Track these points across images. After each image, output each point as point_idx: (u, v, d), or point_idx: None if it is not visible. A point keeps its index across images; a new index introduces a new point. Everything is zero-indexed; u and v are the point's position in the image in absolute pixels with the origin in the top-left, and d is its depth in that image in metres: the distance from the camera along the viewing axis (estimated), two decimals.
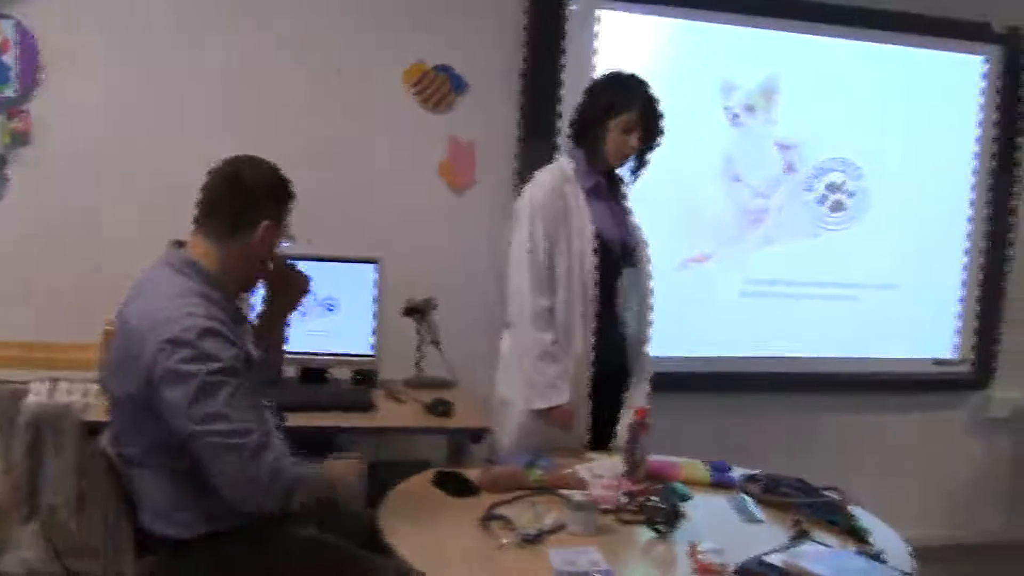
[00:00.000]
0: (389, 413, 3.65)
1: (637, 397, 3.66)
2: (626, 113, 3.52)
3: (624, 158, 3.60)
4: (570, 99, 4.40)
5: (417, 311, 4.01)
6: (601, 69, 4.40)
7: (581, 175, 3.59)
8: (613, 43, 4.55)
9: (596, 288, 3.55)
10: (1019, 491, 5.54)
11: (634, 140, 3.53)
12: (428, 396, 3.76)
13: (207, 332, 2.49)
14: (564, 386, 3.51)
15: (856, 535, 2.89)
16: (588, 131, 3.59)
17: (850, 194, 5.03)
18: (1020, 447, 5.53)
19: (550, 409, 3.51)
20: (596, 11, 4.52)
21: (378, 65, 4.26)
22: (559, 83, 4.42)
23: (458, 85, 4.35)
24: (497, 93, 4.42)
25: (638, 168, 3.68)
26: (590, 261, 3.53)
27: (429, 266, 4.27)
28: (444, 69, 4.32)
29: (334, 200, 4.13)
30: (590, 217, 3.55)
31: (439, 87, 4.31)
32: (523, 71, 4.43)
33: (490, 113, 4.41)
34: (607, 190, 3.66)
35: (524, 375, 3.55)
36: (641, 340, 3.74)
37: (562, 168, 3.61)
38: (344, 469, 2.86)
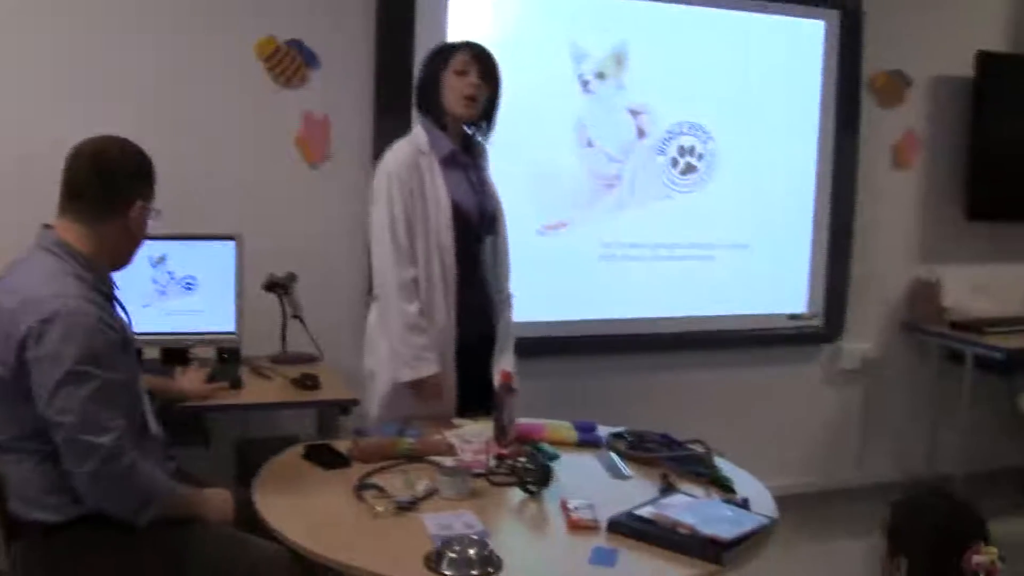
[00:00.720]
0: (256, 389, 3.64)
1: (503, 363, 3.70)
2: (455, 56, 3.57)
3: (467, 101, 3.57)
4: None
5: (278, 286, 3.98)
6: (455, 38, 4.44)
7: (435, 145, 3.60)
8: (465, 15, 4.56)
9: (455, 259, 3.57)
10: (869, 437, 5.76)
11: (472, 78, 3.56)
12: (294, 371, 3.76)
13: (78, 315, 2.48)
14: (431, 357, 3.52)
15: (721, 485, 3.00)
16: (429, 94, 3.62)
17: (700, 157, 5.15)
18: (870, 396, 5.75)
19: (418, 380, 3.53)
20: None
21: (228, 38, 4.20)
22: (412, 56, 4.41)
23: (310, 60, 4.32)
24: (350, 68, 4.40)
25: (488, 120, 3.70)
26: (447, 233, 3.55)
27: (289, 241, 4.25)
28: (295, 44, 4.29)
29: (189, 178, 4.06)
30: (445, 188, 3.57)
31: (291, 62, 4.29)
32: (375, 45, 4.42)
33: (343, 88, 4.40)
34: (464, 158, 3.68)
35: (391, 347, 3.56)
36: (502, 307, 3.79)
37: (415, 140, 3.62)
38: (214, 499, 2.81)
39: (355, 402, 3.61)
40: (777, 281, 5.42)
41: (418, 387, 3.52)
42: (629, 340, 5.03)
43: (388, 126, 4.33)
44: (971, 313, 5.63)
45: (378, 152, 4.25)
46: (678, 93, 5.06)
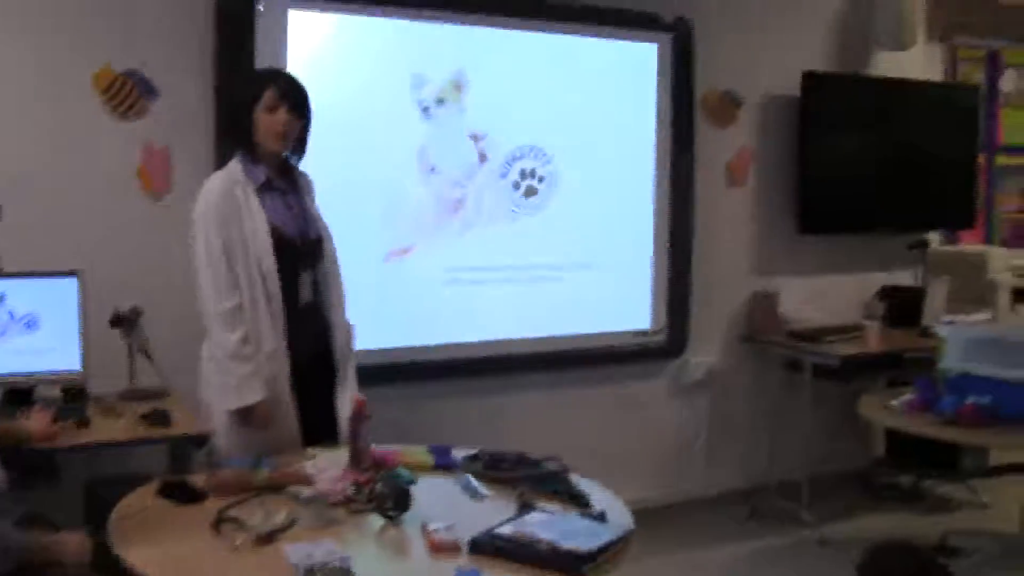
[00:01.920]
0: (105, 427, 3.56)
1: (347, 392, 3.71)
2: (266, 92, 3.57)
3: (280, 137, 3.60)
4: None
5: (124, 321, 3.91)
6: (292, 68, 4.43)
7: (250, 174, 3.60)
8: (303, 42, 4.55)
9: (279, 285, 3.57)
10: (716, 446, 5.91)
11: (281, 115, 3.57)
12: (144, 407, 3.69)
13: None
14: (256, 384, 3.51)
15: (577, 500, 3.04)
16: (240, 129, 3.63)
17: (541, 179, 5.22)
18: (716, 405, 5.90)
19: (244, 408, 3.51)
20: (285, 11, 4.51)
21: (65, 68, 4.13)
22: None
23: (149, 90, 4.27)
24: (189, 97, 4.35)
25: (299, 149, 3.72)
26: (268, 259, 3.54)
27: (133, 275, 4.18)
28: (132, 74, 4.22)
29: (28, 214, 3.98)
30: (263, 214, 3.57)
31: (129, 92, 4.22)
32: (214, 74, 4.38)
33: (183, 117, 4.35)
34: (280, 184, 3.68)
35: (217, 377, 3.56)
36: (340, 334, 3.79)
37: (230, 171, 3.61)
38: (68, 544, 2.76)
39: (208, 436, 3.56)
40: (622, 299, 5.53)
41: (245, 415, 3.51)
42: (479, 363, 5.06)
43: (229, 154, 4.31)
44: (807, 323, 5.83)
45: None
46: (518, 117, 5.14)
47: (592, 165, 5.36)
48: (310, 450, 3.47)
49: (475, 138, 5.04)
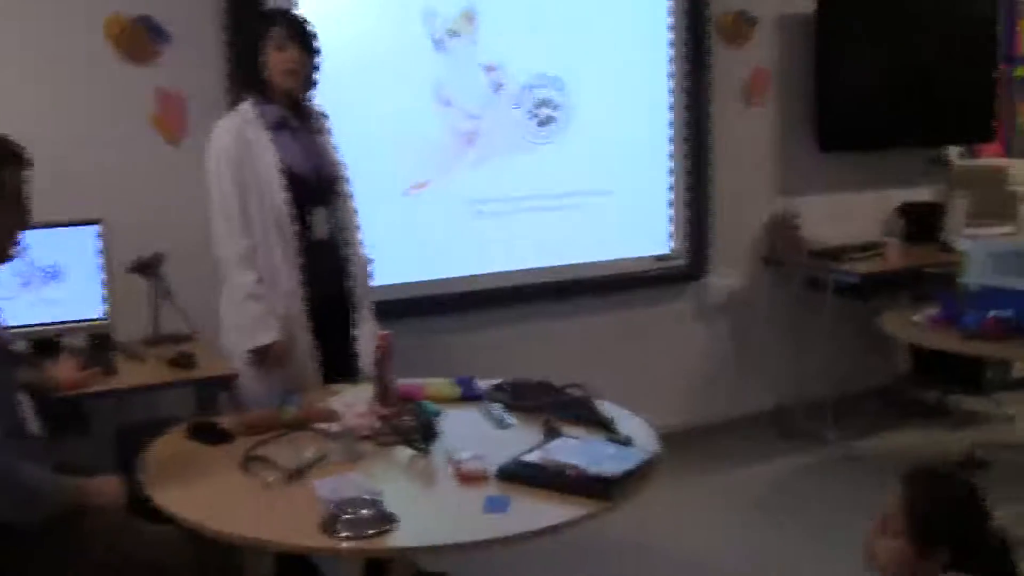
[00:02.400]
0: (131, 373, 3.60)
1: (364, 323, 3.74)
2: (272, 31, 3.60)
3: (290, 74, 3.63)
4: None
5: (146, 268, 3.94)
6: (303, 8, 4.41)
7: (263, 114, 3.62)
8: None
9: (292, 223, 3.59)
10: (741, 369, 5.91)
11: (291, 52, 3.60)
12: (169, 351, 3.72)
13: None
14: (271, 323, 3.54)
15: (603, 425, 3.07)
16: (250, 68, 3.65)
17: (557, 108, 5.19)
18: (737, 328, 5.89)
19: (260, 348, 3.54)
20: None
21: (74, 18, 4.10)
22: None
23: (160, 35, 4.24)
24: (201, 41, 4.32)
25: (306, 85, 3.72)
26: (280, 197, 3.57)
27: (153, 221, 4.18)
28: (144, 20, 4.20)
29: (46, 165, 3.93)
30: (275, 153, 3.59)
31: (140, 38, 4.20)
32: (225, 16, 4.35)
33: (196, 62, 4.31)
34: (294, 123, 3.69)
35: (234, 320, 3.60)
36: (358, 270, 3.79)
37: (242, 112, 3.64)
38: (103, 487, 2.78)
39: (234, 376, 3.60)
40: (641, 224, 5.52)
41: (261, 355, 3.55)
42: (499, 294, 5.07)
43: (241, 97, 4.30)
44: (828, 241, 5.80)
45: None
46: (531, 46, 5.09)
47: (607, 91, 5.31)
48: (335, 386, 3.49)
49: (489, 69, 5.00)
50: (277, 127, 3.63)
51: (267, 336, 3.53)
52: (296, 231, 3.60)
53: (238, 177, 3.53)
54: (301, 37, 3.63)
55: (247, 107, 3.64)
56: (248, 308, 3.53)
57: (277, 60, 3.60)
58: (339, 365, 3.69)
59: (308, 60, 3.66)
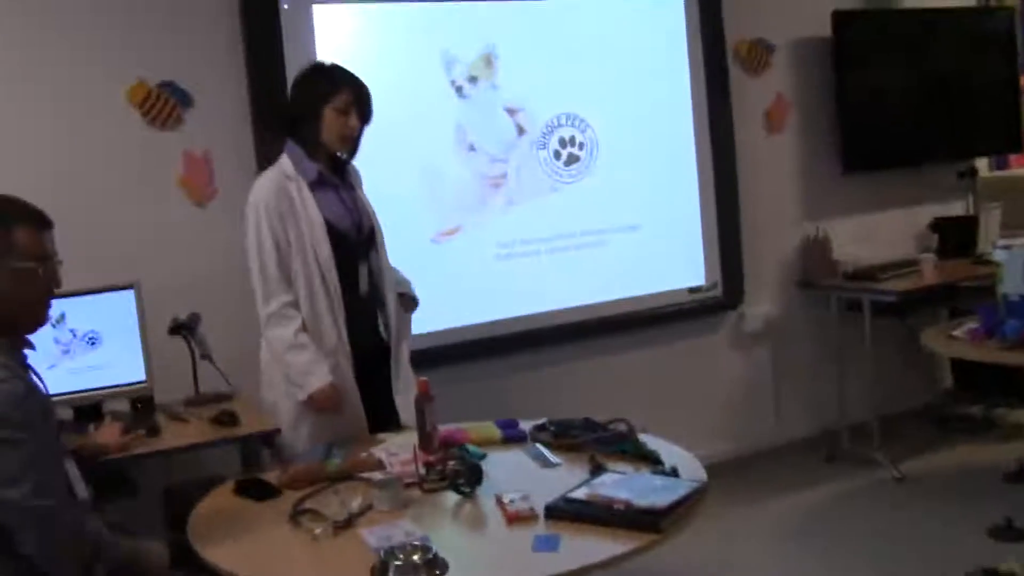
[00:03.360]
0: (175, 434, 3.60)
1: (400, 371, 3.75)
2: (339, 95, 3.58)
3: (346, 140, 3.64)
4: None
5: (183, 328, 3.95)
6: (322, 58, 4.44)
7: (302, 170, 3.61)
8: (331, 36, 4.57)
9: (337, 277, 3.60)
10: (783, 395, 5.88)
11: (353, 120, 3.60)
12: (211, 411, 3.73)
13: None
14: (320, 368, 3.53)
15: (648, 459, 3.05)
16: (303, 123, 3.63)
17: (581, 146, 5.21)
18: (777, 354, 5.86)
19: (314, 393, 3.52)
20: (309, 6, 4.52)
21: (99, 87, 4.16)
22: (284, 82, 4.39)
23: (184, 99, 4.29)
24: (225, 102, 4.38)
25: (353, 150, 3.73)
26: (325, 251, 3.58)
27: (187, 282, 4.21)
28: (168, 85, 4.25)
29: (79, 233, 3.99)
30: (316, 207, 3.59)
31: (165, 103, 4.25)
32: (247, 76, 4.40)
33: (221, 122, 4.37)
34: (333, 179, 3.69)
35: (282, 373, 3.59)
36: (393, 316, 3.78)
37: (282, 167, 3.63)
38: (151, 549, 2.79)
39: (277, 432, 3.59)
40: (673, 257, 5.50)
41: (317, 400, 3.53)
42: (535, 335, 5.06)
43: (270, 153, 4.33)
44: (861, 262, 5.77)
45: None
46: (551, 86, 5.12)
47: (630, 126, 5.33)
48: (379, 435, 3.49)
49: (511, 112, 5.02)
50: (318, 184, 3.63)
51: (320, 380, 3.52)
52: (339, 286, 3.60)
53: (280, 232, 3.54)
54: (367, 107, 3.64)
55: (286, 162, 3.64)
56: (295, 358, 3.53)
57: (337, 124, 3.59)
58: (382, 415, 3.68)
59: (363, 128, 3.67)
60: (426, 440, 3.23)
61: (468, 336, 4.89)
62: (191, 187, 4.34)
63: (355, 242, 3.68)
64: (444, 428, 3.32)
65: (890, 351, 5.86)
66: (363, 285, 3.70)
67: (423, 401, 3.27)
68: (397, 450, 3.19)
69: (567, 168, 5.16)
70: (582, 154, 5.21)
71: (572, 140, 5.18)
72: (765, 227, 5.75)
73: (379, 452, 3.21)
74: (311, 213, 3.57)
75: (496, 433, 3.41)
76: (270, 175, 3.63)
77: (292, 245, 3.55)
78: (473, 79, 4.94)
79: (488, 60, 4.97)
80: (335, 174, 3.71)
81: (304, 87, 3.68)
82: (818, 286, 5.81)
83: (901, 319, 5.66)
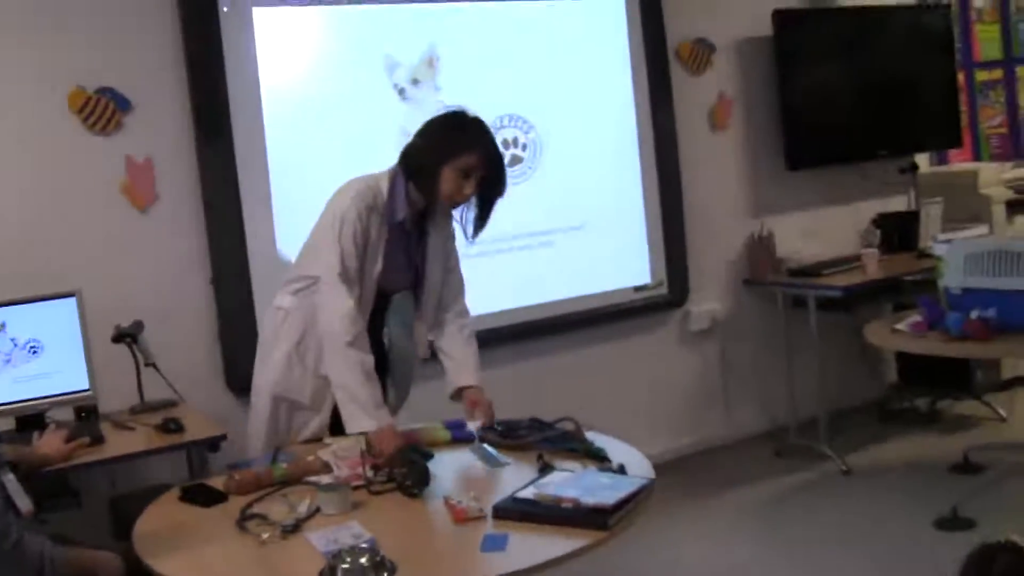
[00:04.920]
0: (120, 442, 3.57)
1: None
2: (465, 154, 3.32)
3: (455, 204, 3.43)
4: (238, 98, 4.42)
5: (127, 336, 3.91)
6: (266, 66, 4.43)
7: (393, 205, 3.43)
8: (272, 39, 4.54)
9: (368, 308, 3.47)
10: (732, 393, 5.92)
11: (469, 187, 3.35)
12: (156, 418, 3.70)
13: None
14: (385, 410, 3.34)
15: (595, 456, 3.05)
16: (424, 171, 3.39)
17: (524, 147, 5.22)
18: (725, 351, 5.92)
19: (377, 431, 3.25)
20: (250, 9, 4.49)
21: (37, 95, 4.11)
22: (224, 83, 4.39)
23: (123, 104, 4.24)
24: (165, 107, 4.34)
25: (481, 220, 3.50)
26: (370, 292, 3.45)
27: (130, 289, 4.19)
28: (107, 91, 4.20)
29: (20, 241, 3.99)
30: (383, 253, 3.44)
31: (105, 109, 4.20)
32: (187, 79, 4.36)
33: (160, 126, 4.33)
34: (410, 228, 3.50)
35: (342, 391, 3.33)
36: (407, 357, 3.68)
37: (376, 192, 3.43)
38: (98, 559, 2.75)
39: (222, 438, 3.57)
40: (619, 256, 5.52)
41: (381, 437, 3.19)
42: (484, 337, 4.97)
43: (211, 157, 4.36)
44: (806, 259, 5.82)
45: (206, 187, 4.28)
46: (494, 88, 5.12)
47: (573, 127, 5.35)
48: (326, 439, 3.47)
49: None
50: (395, 229, 3.46)
51: (388, 418, 3.30)
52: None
53: (359, 243, 3.36)
54: (490, 176, 3.37)
55: (381, 190, 3.43)
56: (367, 385, 3.29)
57: (455, 186, 3.34)
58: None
59: (488, 200, 3.44)
60: (371, 444, 3.21)
61: None
62: (134, 193, 4.29)
63: (388, 292, 3.53)
64: None
65: (836, 346, 5.91)
66: (385, 338, 3.59)
67: None
68: (344, 453, 3.17)
69: (510, 169, 5.12)
70: (525, 155, 5.22)
71: (515, 141, 5.19)
72: (710, 225, 5.79)
73: (326, 455, 3.18)
74: (378, 254, 3.42)
75: (444, 433, 3.40)
76: (363, 195, 3.40)
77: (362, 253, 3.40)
78: (415, 82, 4.93)
79: (430, 62, 4.97)
80: (418, 222, 3.54)
81: (437, 135, 3.44)
82: (763, 283, 5.86)
83: (847, 313, 5.70)
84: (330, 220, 3.41)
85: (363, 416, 3.26)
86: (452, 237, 3.66)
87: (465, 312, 3.71)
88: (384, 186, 3.45)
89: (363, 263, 3.41)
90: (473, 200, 3.44)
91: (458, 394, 3.52)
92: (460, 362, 3.60)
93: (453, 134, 3.40)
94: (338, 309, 3.32)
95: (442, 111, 3.56)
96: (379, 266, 3.44)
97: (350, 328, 3.30)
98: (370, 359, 3.34)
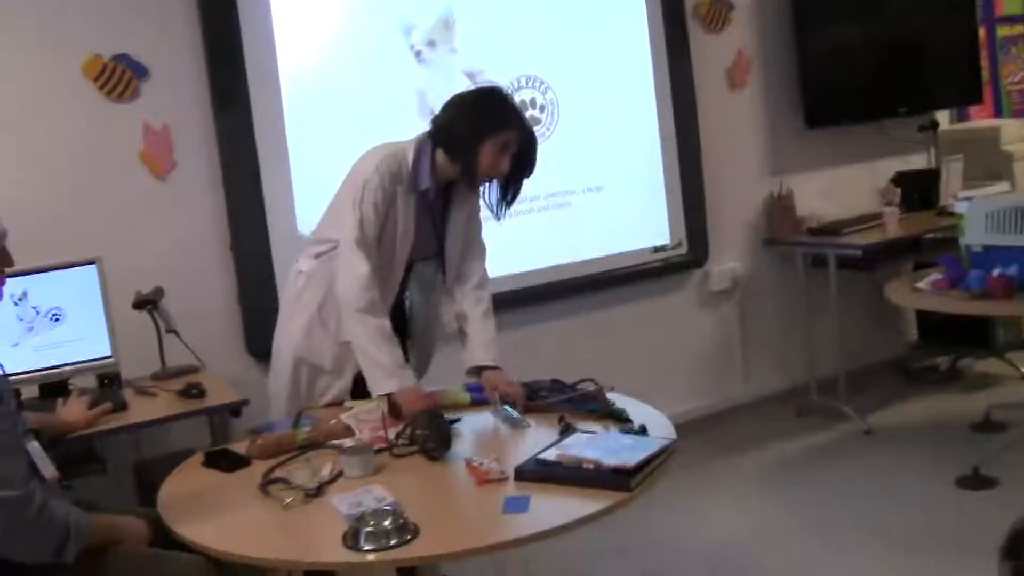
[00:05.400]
0: (143, 408, 3.60)
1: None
2: (507, 131, 3.38)
3: (491, 178, 3.47)
4: (253, 63, 4.41)
5: (148, 303, 3.93)
6: (282, 31, 4.42)
7: (418, 174, 3.46)
8: (288, 4, 4.51)
9: (398, 280, 3.53)
10: (751, 352, 5.92)
11: (505, 163, 3.39)
12: (178, 384, 3.73)
13: None
14: (408, 369, 3.39)
15: (616, 417, 3.06)
16: (461, 146, 3.40)
17: (542, 108, 5.19)
18: (744, 311, 5.90)
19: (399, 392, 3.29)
20: None
21: (53, 64, 4.10)
22: (241, 49, 4.37)
23: (139, 71, 4.24)
24: (181, 73, 4.33)
25: (509, 195, 3.56)
26: (400, 263, 3.50)
27: (150, 257, 4.19)
28: (122, 58, 4.20)
29: (40, 209, 3.99)
30: (415, 223, 3.47)
31: (121, 76, 4.20)
32: (203, 45, 4.35)
33: (177, 93, 4.32)
34: (435, 199, 3.53)
35: (364, 356, 3.36)
36: (429, 325, 3.73)
37: (401, 160, 3.45)
38: (127, 526, 2.78)
39: (244, 403, 3.59)
40: (637, 217, 5.51)
41: (406, 398, 3.24)
42: (502, 298, 5.01)
43: (230, 122, 4.36)
44: (825, 217, 5.81)
45: (224, 152, 4.32)
46: (510, 49, 5.10)
47: (591, 87, 5.32)
48: (347, 402, 3.48)
49: (471, 76, 4.99)
50: (420, 199, 3.49)
51: (410, 380, 3.34)
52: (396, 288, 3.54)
53: (381, 213, 3.40)
54: (525, 153, 3.45)
55: (406, 160, 3.46)
56: (390, 348, 3.34)
57: (491, 162, 3.38)
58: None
59: (519, 178, 3.51)
60: (395, 405, 3.23)
61: None
62: (151, 161, 4.29)
63: (415, 259, 3.57)
64: None
65: (858, 305, 5.91)
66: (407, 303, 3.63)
67: None
68: (366, 416, 3.19)
69: None
70: (543, 116, 5.20)
71: (533, 102, 5.17)
72: (729, 184, 5.77)
73: (347, 419, 3.20)
74: (409, 226, 3.46)
75: (465, 396, 3.42)
76: (388, 162, 3.43)
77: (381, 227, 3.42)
78: (432, 43, 4.91)
79: (447, 23, 4.95)
80: (442, 194, 3.57)
81: (473, 110, 3.46)
82: (783, 242, 5.84)
83: (867, 273, 5.68)
84: (352, 186, 3.43)
85: (386, 379, 3.29)
86: (477, 212, 3.69)
87: (484, 284, 3.72)
88: (410, 155, 3.47)
89: (388, 230, 3.43)
90: (501, 179, 3.50)
91: (475, 371, 3.53)
92: (476, 339, 3.61)
93: (493, 110, 3.44)
94: (354, 275, 3.34)
95: (472, 88, 3.63)
96: (411, 234, 3.46)
97: (362, 294, 3.32)
98: (387, 323, 3.36)
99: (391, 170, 3.42)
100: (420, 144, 3.50)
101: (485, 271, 3.74)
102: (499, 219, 3.64)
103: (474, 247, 3.72)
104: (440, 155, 3.46)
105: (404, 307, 3.64)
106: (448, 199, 3.59)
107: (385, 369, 3.30)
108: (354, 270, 3.34)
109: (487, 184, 3.54)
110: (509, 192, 3.56)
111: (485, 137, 3.37)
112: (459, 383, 3.54)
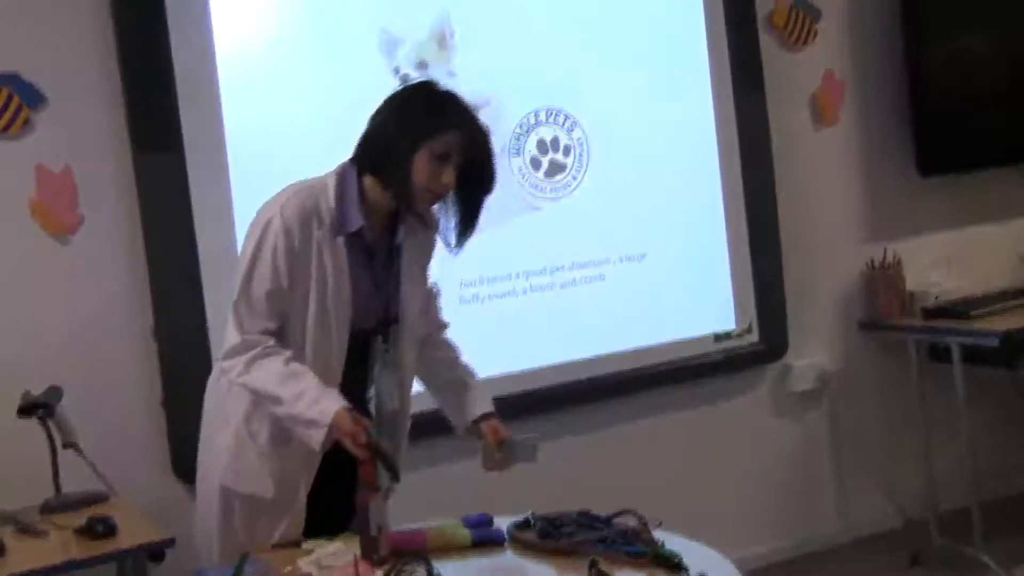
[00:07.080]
0: (25, 554, 3.52)
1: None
2: (441, 134, 3.33)
3: (433, 198, 3.42)
4: (187, 86, 4.42)
5: (38, 407, 3.91)
6: (224, 43, 4.44)
7: (344, 212, 3.43)
8: (232, 17, 4.55)
9: (343, 363, 3.50)
10: (844, 474, 5.89)
11: (448, 175, 3.34)
12: (78, 518, 3.68)
13: None
14: (331, 393, 3.34)
15: (666, 562, 3.02)
16: (390, 161, 3.38)
17: (567, 151, 5.23)
18: (838, 420, 5.90)
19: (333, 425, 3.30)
20: None
21: None
22: (172, 75, 4.39)
23: (32, 98, 4.25)
24: (90, 100, 4.36)
25: (467, 220, 3.52)
26: (340, 334, 3.47)
27: (44, 344, 4.21)
28: (10, 80, 4.22)
29: None
30: (349, 281, 3.45)
31: (6, 105, 4.22)
32: (119, 67, 4.38)
33: (84, 127, 4.35)
34: (374, 245, 3.53)
35: (278, 413, 3.39)
36: (396, 415, 3.72)
37: (317, 197, 3.44)
38: None
39: (169, 542, 3.55)
40: (692, 295, 5.52)
41: (340, 429, 3.26)
42: (514, 402, 5.00)
43: (152, 165, 4.38)
44: (947, 294, 5.80)
45: (146, 204, 4.29)
46: (526, 73, 5.14)
47: (632, 124, 5.36)
48: (306, 544, 3.44)
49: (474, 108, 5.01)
50: (351, 245, 3.46)
51: (336, 403, 3.30)
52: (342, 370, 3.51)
53: (290, 270, 3.38)
54: (475, 163, 3.39)
55: (329, 194, 3.44)
56: (294, 388, 3.32)
57: (429, 173, 3.33)
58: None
59: (474, 197, 3.48)
60: (370, 546, 3.19)
61: (421, 406, 4.84)
62: (47, 215, 4.30)
63: (370, 330, 3.56)
64: (396, 529, 3.30)
65: (991, 412, 5.88)
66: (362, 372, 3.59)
67: (364, 495, 3.23)
68: (331, 561, 3.16)
69: (549, 180, 5.17)
70: (568, 161, 5.23)
71: (555, 143, 5.20)
72: (815, 251, 5.80)
73: (307, 566, 3.17)
74: (342, 284, 3.43)
75: (464, 534, 3.37)
76: (299, 199, 3.42)
77: (295, 289, 3.42)
78: (422, 64, 4.94)
79: (442, 40, 4.98)
80: (385, 234, 3.56)
81: (400, 112, 3.46)
82: (889, 327, 5.85)
83: (1007, 368, 5.65)
84: (249, 239, 3.43)
85: (310, 420, 3.30)
86: (431, 251, 3.70)
87: (445, 326, 3.84)
88: (330, 189, 3.45)
89: (315, 291, 3.41)
90: (454, 200, 3.48)
91: (472, 428, 3.57)
92: (473, 387, 3.71)
93: (425, 110, 3.42)
94: (264, 378, 3.36)
95: (406, 84, 3.65)
96: (345, 293, 3.43)
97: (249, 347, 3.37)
98: (276, 364, 3.35)
99: (303, 207, 3.39)
100: (343, 173, 3.48)
101: (443, 318, 3.85)
102: (453, 252, 3.61)
103: (429, 292, 3.78)
104: (369, 182, 3.45)
105: (365, 402, 3.60)
106: (394, 242, 3.58)
107: (305, 407, 3.30)
108: (267, 379, 3.35)
109: (443, 209, 3.52)
110: (465, 216, 3.52)
111: (418, 143, 3.33)
112: (453, 514, 3.50)
